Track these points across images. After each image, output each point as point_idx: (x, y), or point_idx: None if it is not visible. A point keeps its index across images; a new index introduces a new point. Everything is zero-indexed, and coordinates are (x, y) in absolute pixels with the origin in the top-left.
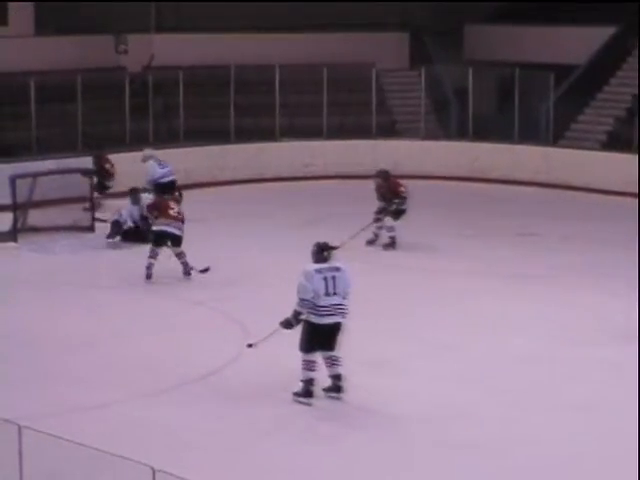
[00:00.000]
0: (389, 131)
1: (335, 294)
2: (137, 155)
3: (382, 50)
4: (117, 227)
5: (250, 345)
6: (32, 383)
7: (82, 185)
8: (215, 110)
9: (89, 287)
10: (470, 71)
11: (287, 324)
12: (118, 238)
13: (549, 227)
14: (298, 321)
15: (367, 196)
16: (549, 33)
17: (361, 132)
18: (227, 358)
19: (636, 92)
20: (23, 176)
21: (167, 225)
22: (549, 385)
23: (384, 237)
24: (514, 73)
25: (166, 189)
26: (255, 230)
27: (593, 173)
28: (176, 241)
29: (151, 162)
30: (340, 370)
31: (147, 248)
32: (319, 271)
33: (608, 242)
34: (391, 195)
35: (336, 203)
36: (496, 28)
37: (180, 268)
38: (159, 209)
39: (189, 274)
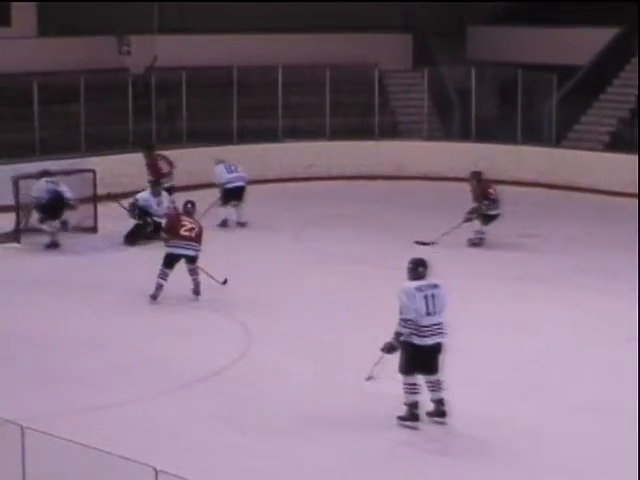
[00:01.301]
0: (392, 132)
1: (436, 313)
2: (140, 156)
3: (385, 51)
4: (135, 208)
5: (369, 378)
6: (35, 384)
7: (85, 186)
8: (218, 111)
9: (92, 288)
10: (473, 72)
11: (390, 348)
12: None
13: (552, 228)
14: (400, 343)
15: (370, 196)
16: (552, 34)
17: (364, 133)
18: (230, 359)
19: (638, 93)
20: (26, 177)
21: (180, 247)
22: (552, 386)
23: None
24: (517, 74)
25: (232, 195)
26: (258, 231)
27: (596, 174)
28: (190, 260)
29: (220, 167)
30: (443, 394)
31: (150, 245)
32: (420, 289)
33: (611, 243)
34: (481, 197)
35: (339, 204)
36: (499, 29)
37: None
38: (171, 229)
39: (198, 294)
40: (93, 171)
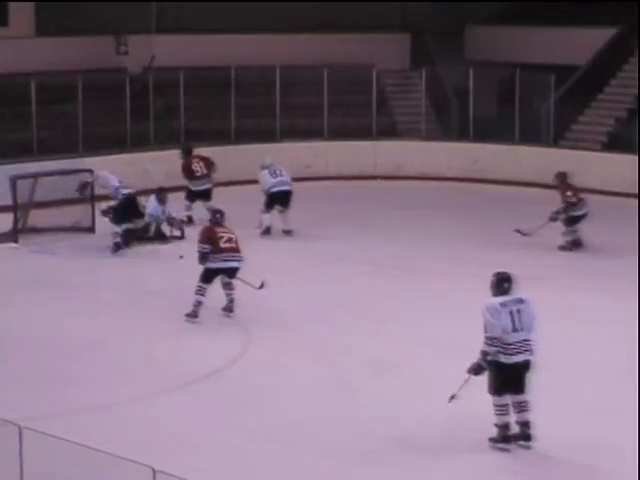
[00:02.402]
0: (390, 132)
1: (522, 329)
2: (137, 156)
3: (383, 51)
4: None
5: (452, 397)
6: (33, 384)
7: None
8: (216, 111)
9: (90, 288)
10: (471, 72)
11: (478, 369)
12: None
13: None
14: (487, 363)
15: (368, 196)
16: (550, 34)
17: (362, 133)
18: (229, 359)
19: (636, 93)
20: (24, 177)
21: (223, 261)
22: (548, 386)
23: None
24: (515, 74)
25: (276, 200)
26: (256, 231)
27: (594, 174)
28: (232, 273)
29: (264, 172)
30: (529, 416)
31: (146, 248)
32: (504, 305)
33: (609, 243)
34: (563, 199)
35: (337, 204)
36: (497, 29)
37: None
38: (210, 243)
39: (231, 311)
40: (91, 171)
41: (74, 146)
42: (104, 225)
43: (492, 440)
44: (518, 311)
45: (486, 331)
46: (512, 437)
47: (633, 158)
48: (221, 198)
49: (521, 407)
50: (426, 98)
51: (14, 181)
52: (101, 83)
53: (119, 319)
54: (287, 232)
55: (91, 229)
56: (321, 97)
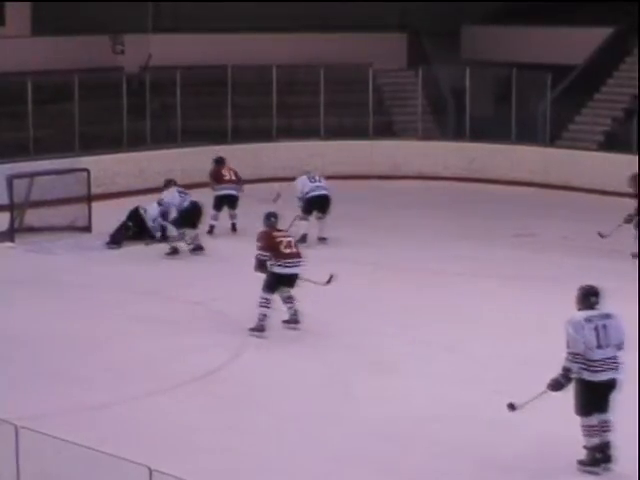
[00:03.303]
0: (386, 131)
1: (608, 346)
2: (134, 155)
3: (379, 50)
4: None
5: (512, 407)
6: (29, 383)
7: (79, 185)
8: (212, 110)
9: (86, 287)
10: (467, 71)
11: (557, 385)
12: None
13: (547, 228)
14: (569, 380)
15: (365, 196)
16: (546, 34)
17: (358, 132)
18: (225, 358)
19: (633, 92)
20: (20, 176)
21: (286, 267)
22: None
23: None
24: (511, 73)
25: (315, 205)
26: (252, 230)
27: (590, 173)
28: (293, 280)
29: (302, 177)
30: (611, 437)
31: (144, 247)
32: (589, 320)
33: (607, 243)
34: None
35: (333, 203)
36: (493, 29)
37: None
38: (271, 248)
39: (296, 322)
40: (87, 170)
41: (71, 145)
42: (100, 224)
43: (581, 463)
44: (604, 327)
45: (568, 347)
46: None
47: (630, 158)
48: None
49: (603, 427)
50: (423, 98)
51: (10, 180)
52: (98, 82)
53: (115, 318)
54: (322, 239)
55: (87, 228)
56: (318, 96)
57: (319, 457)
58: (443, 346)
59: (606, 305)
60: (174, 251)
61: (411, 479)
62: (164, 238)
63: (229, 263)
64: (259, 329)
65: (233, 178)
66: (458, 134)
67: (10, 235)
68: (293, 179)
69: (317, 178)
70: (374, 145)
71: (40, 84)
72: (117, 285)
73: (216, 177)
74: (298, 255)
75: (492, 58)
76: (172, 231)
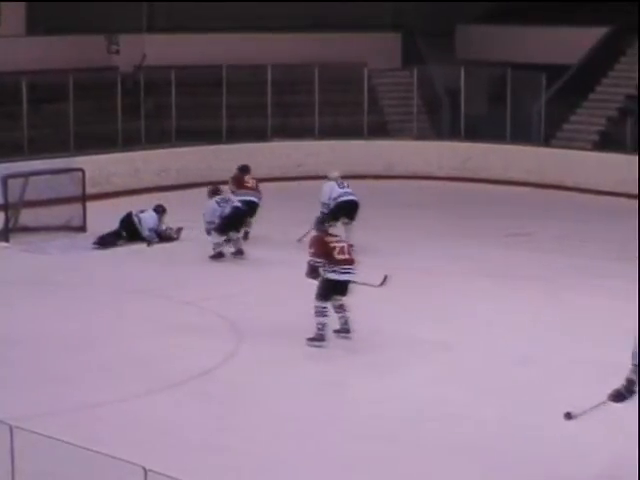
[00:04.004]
0: (381, 131)
1: None
2: (128, 155)
3: (374, 50)
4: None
5: (569, 416)
6: (24, 383)
7: (74, 185)
8: (207, 110)
9: (81, 287)
10: (462, 71)
11: (619, 397)
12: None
13: (542, 227)
14: (631, 392)
15: (359, 196)
16: (541, 33)
17: (353, 132)
18: (220, 358)
19: (628, 92)
20: (15, 176)
21: (339, 273)
22: (542, 385)
23: None
24: (506, 73)
25: (344, 210)
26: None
27: (585, 173)
28: (345, 289)
29: (330, 183)
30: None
31: (138, 247)
32: None
33: (601, 242)
34: None
35: None
36: (488, 28)
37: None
38: (324, 254)
39: (348, 332)
40: (82, 170)
41: (65, 145)
42: (95, 224)
43: None
44: None
45: (634, 358)
46: None
47: (624, 157)
48: None
49: None
50: (417, 97)
51: (5, 180)
52: (92, 82)
53: (110, 318)
54: (350, 246)
55: (82, 228)
56: (313, 96)
57: (311, 457)
58: (439, 345)
59: (603, 304)
60: (219, 255)
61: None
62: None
63: (222, 264)
64: (318, 339)
65: (255, 186)
66: (453, 134)
67: (5, 235)
68: (288, 179)
69: (346, 184)
70: (369, 145)
71: (35, 84)
72: (112, 285)
73: (238, 183)
74: (352, 262)
75: (487, 58)
76: (215, 237)
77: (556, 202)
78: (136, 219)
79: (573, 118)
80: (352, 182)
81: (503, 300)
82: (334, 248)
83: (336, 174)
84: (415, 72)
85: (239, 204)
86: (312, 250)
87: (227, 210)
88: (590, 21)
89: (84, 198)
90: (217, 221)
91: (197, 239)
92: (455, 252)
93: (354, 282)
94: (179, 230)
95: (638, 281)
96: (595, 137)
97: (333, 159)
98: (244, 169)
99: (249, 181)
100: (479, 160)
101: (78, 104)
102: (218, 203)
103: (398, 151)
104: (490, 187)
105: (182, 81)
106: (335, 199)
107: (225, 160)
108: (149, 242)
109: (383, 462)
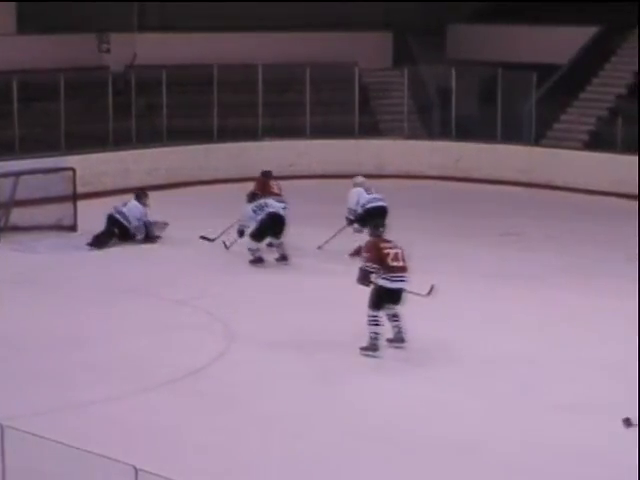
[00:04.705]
0: (372, 130)
1: None
2: (119, 155)
3: (365, 49)
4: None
5: (629, 422)
6: (15, 382)
7: (65, 184)
8: (198, 109)
9: (72, 286)
10: (453, 71)
11: None
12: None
13: (533, 227)
14: None
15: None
16: (532, 33)
17: (344, 131)
18: (211, 357)
19: (618, 92)
20: (5, 175)
21: (392, 281)
22: (534, 385)
23: None
24: (497, 73)
25: (374, 216)
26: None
27: (575, 173)
28: (399, 297)
29: (357, 189)
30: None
31: (128, 247)
32: None
33: (592, 241)
34: None
35: (320, 202)
36: (479, 28)
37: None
38: (378, 260)
39: (402, 341)
40: (73, 169)
41: (56, 144)
42: (86, 223)
43: None
44: None
45: None
46: None
47: (615, 157)
48: (204, 196)
49: None
50: (408, 97)
51: None
52: (83, 81)
53: (100, 317)
54: None
55: (73, 228)
56: (304, 95)
57: (302, 455)
58: (427, 345)
59: (594, 303)
60: (258, 260)
61: (388, 476)
62: (148, 239)
63: (212, 262)
64: (372, 348)
65: (280, 193)
66: (444, 133)
67: None
68: (279, 178)
69: (373, 190)
70: (360, 144)
71: (26, 83)
72: (102, 284)
73: (263, 188)
74: (405, 269)
75: (478, 57)
76: (251, 243)
77: (547, 201)
78: (118, 216)
79: (564, 117)
80: (343, 182)
81: (494, 299)
82: (388, 254)
83: (361, 179)
84: (406, 71)
85: (273, 210)
86: (367, 255)
87: (262, 216)
88: (580, 21)
89: (75, 197)
90: (253, 227)
91: (188, 239)
92: (446, 251)
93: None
94: (164, 225)
95: (638, 281)
96: (585, 137)
97: (324, 158)
98: (267, 174)
99: (274, 186)
100: (470, 159)
101: (69, 103)
102: (254, 211)
103: (389, 150)
104: (481, 186)
105: (173, 80)
106: (364, 205)
107: (216, 159)
108: (133, 237)
109: (374, 462)
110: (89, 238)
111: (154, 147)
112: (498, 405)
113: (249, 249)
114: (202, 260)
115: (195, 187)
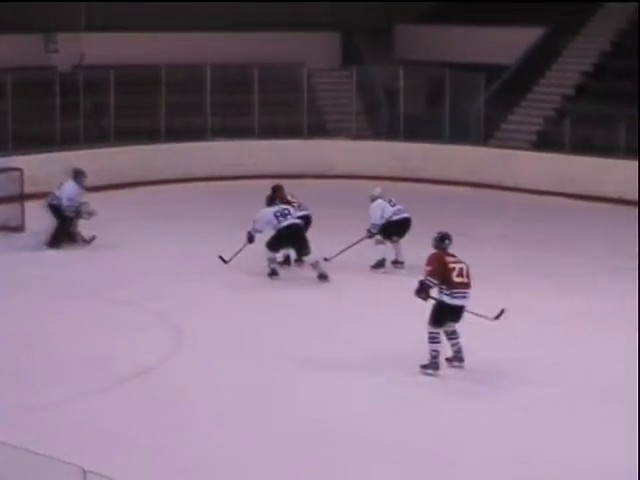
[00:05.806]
0: (320, 131)
1: None
2: (67, 155)
3: (313, 50)
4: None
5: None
6: None
7: (12, 185)
8: (146, 109)
9: (20, 287)
10: (401, 71)
11: None
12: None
13: (482, 227)
14: None
15: (298, 195)
16: (480, 33)
17: (292, 132)
18: (160, 358)
19: (564, 92)
20: None
21: (455, 297)
22: (497, 386)
23: None
24: (445, 73)
25: (397, 229)
26: (186, 229)
27: (523, 173)
28: (460, 314)
29: (379, 201)
30: None
31: (77, 248)
32: None
33: (542, 242)
34: None
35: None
36: (427, 28)
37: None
38: (441, 274)
39: (462, 360)
40: (20, 169)
41: (3, 144)
42: (33, 224)
43: None
44: None
45: None
46: None
47: (562, 157)
48: (152, 196)
49: None
50: (356, 97)
51: None
52: (31, 81)
53: (50, 318)
54: (399, 263)
55: (20, 228)
56: (251, 96)
57: (249, 456)
58: (379, 345)
59: (545, 301)
60: (273, 273)
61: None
62: (78, 216)
63: (164, 265)
64: (433, 367)
65: (300, 203)
66: (392, 134)
67: None
68: (227, 178)
69: (394, 201)
70: (308, 145)
71: None
72: (51, 285)
73: (282, 199)
74: (468, 285)
75: (426, 58)
76: (268, 253)
77: (495, 202)
78: (55, 202)
79: (511, 118)
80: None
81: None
82: (453, 269)
83: (379, 190)
84: (354, 72)
85: (294, 222)
86: (429, 268)
87: (281, 226)
88: (528, 21)
89: (22, 197)
90: (271, 235)
91: (136, 239)
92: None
93: (468, 312)
94: (92, 238)
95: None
96: (533, 137)
97: (272, 159)
98: (278, 188)
99: (294, 199)
100: (418, 160)
101: (16, 103)
102: (277, 216)
103: (337, 151)
104: (429, 187)
105: (121, 80)
106: (389, 218)
107: (163, 160)
108: (63, 219)
109: (321, 464)
110: (37, 239)
111: (101, 147)
112: (472, 405)
113: (268, 259)
114: (155, 263)
115: (143, 187)
